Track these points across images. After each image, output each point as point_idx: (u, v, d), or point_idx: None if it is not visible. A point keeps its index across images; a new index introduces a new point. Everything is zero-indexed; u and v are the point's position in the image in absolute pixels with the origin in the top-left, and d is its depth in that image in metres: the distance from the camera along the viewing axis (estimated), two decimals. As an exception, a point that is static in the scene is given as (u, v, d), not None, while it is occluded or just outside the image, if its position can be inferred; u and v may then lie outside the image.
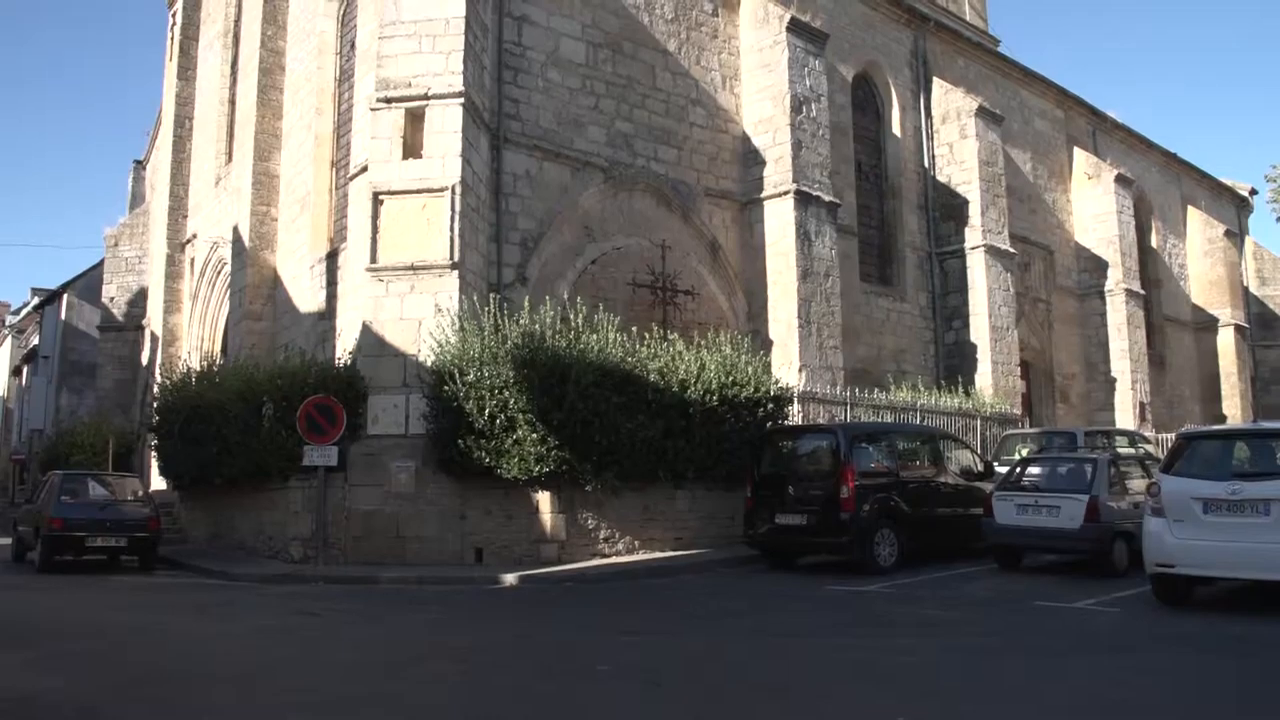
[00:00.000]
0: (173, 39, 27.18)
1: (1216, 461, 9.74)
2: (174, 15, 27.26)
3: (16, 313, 51.52)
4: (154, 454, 19.14)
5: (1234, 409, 32.95)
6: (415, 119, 14.39)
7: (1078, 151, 29.66)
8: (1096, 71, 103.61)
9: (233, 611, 10.66)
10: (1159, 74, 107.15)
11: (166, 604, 11.80)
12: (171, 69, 26.93)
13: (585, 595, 11.55)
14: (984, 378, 22.70)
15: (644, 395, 13.73)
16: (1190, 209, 35.21)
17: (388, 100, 14.48)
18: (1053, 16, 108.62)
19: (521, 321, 13.51)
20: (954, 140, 24.19)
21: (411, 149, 14.29)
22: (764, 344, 18.30)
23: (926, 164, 24.35)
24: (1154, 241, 33.01)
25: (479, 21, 15.43)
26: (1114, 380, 27.73)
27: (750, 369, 15.02)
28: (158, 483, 20.11)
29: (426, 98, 14.38)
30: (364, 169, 15.28)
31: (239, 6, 24.25)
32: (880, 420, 17.35)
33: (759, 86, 19.84)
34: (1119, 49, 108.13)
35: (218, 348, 22.84)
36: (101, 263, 30.96)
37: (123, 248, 29.29)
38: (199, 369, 17.90)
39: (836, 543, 12.78)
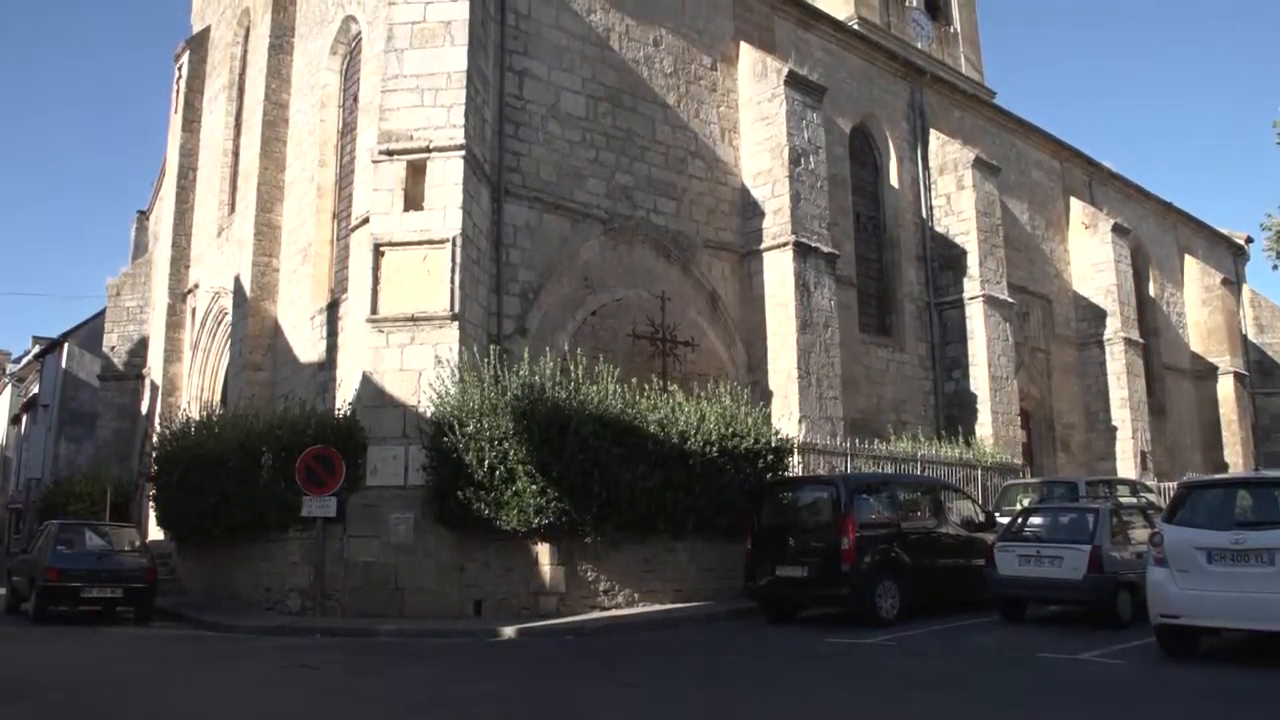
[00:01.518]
0: (178, 91, 27.43)
1: (1219, 511, 9.71)
2: (180, 68, 27.53)
3: (17, 361, 51.59)
4: (152, 504, 19.07)
5: (1235, 457, 32.89)
6: (417, 171, 14.50)
7: (1074, 201, 29.88)
8: (1092, 122, 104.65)
9: (230, 664, 10.58)
10: (1154, 124, 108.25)
11: (163, 656, 11.71)
12: (176, 121, 27.16)
13: (585, 648, 11.47)
14: (984, 427, 22.68)
15: (644, 446, 13.71)
16: (1187, 257, 35.40)
17: (389, 153, 14.60)
18: (1048, 68, 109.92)
19: (521, 373, 13.52)
20: (951, 191, 24.38)
21: (413, 201, 14.39)
22: (764, 395, 18.31)
23: (924, 215, 24.51)
24: (1152, 290, 33.13)
25: (480, 75, 15.61)
26: (1114, 429, 27.70)
27: (750, 420, 15.02)
28: (155, 533, 20.02)
29: (428, 150, 14.50)
30: (365, 220, 15.36)
31: (244, 60, 24.52)
32: (881, 471, 17.31)
33: (758, 139, 20.04)
34: (1114, 100, 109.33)
35: (217, 397, 22.82)
36: (103, 312, 31.04)
37: (124, 297, 29.37)
38: (198, 419, 17.89)
39: (837, 595, 12.70)
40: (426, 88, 14.82)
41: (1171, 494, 12.60)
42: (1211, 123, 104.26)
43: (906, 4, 31.87)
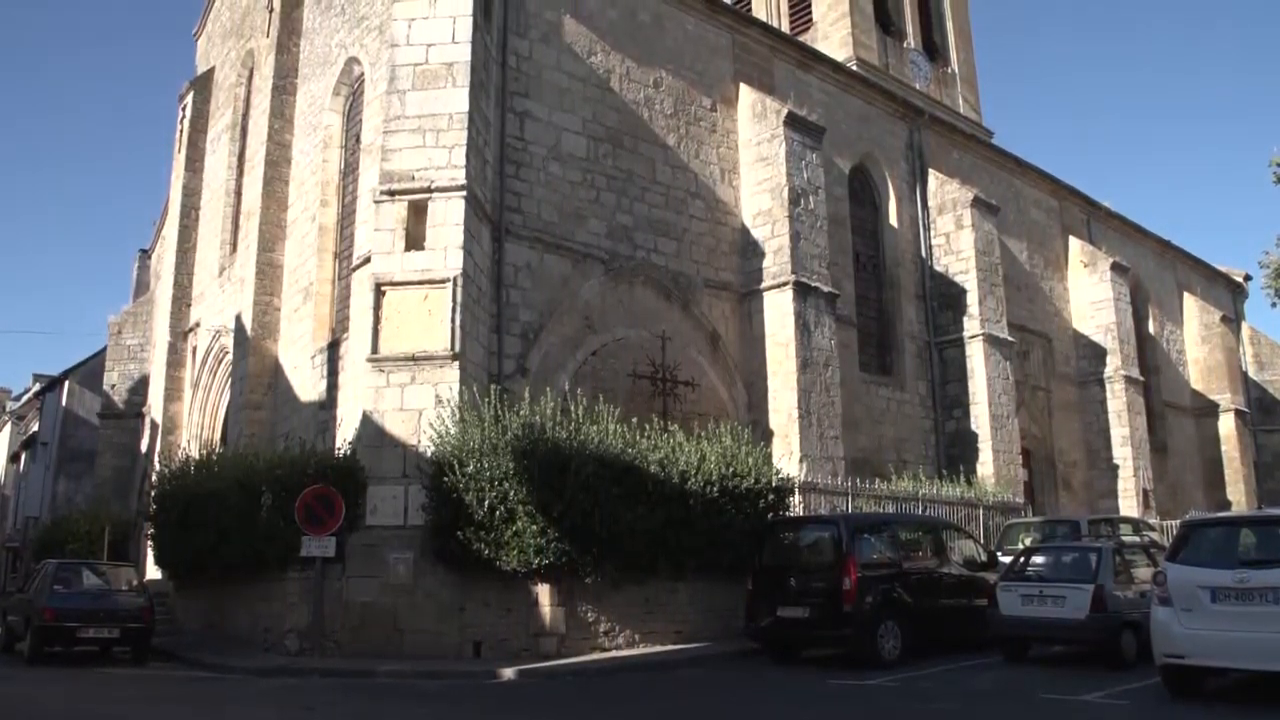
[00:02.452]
0: (182, 131, 27.65)
1: (1222, 549, 9.65)
2: (184, 108, 27.77)
3: (17, 399, 51.59)
4: (150, 543, 19.01)
5: (1238, 495, 32.80)
6: (418, 211, 14.58)
7: (1073, 240, 30.02)
8: (1089, 161, 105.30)
9: (227, 706, 10.49)
10: (1151, 162, 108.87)
11: (158, 696, 11.63)
12: (180, 160, 27.35)
13: (585, 690, 11.38)
14: (985, 466, 22.63)
15: (644, 486, 13.68)
16: (1186, 295, 35.50)
17: (391, 193, 14.69)
18: (1045, 108, 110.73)
19: (522, 412, 13.51)
20: (950, 230, 24.49)
21: (414, 241, 14.46)
22: (764, 434, 18.29)
23: (924, 254, 24.61)
24: (1151, 328, 33.19)
25: (482, 117, 15.74)
26: (1116, 467, 27.64)
27: (751, 460, 15.00)
28: (153, 572, 19.93)
29: (429, 191, 14.60)
30: (367, 260, 15.43)
31: (247, 101, 24.74)
32: (882, 511, 17.23)
33: (757, 179, 20.16)
34: (1111, 139, 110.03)
35: (217, 436, 22.81)
36: (104, 350, 31.08)
37: (126, 335, 29.42)
38: (198, 457, 17.86)
39: (839, 635, 12.62)
40: (428, 128, 14.94)
41: (1174, 532, 12.54)
42: (1209, 161, 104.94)
43: (905, 45, 32.15)
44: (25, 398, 47.92)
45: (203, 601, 17.25)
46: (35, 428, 41.03)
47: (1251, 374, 37.15)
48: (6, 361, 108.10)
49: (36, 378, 45.51)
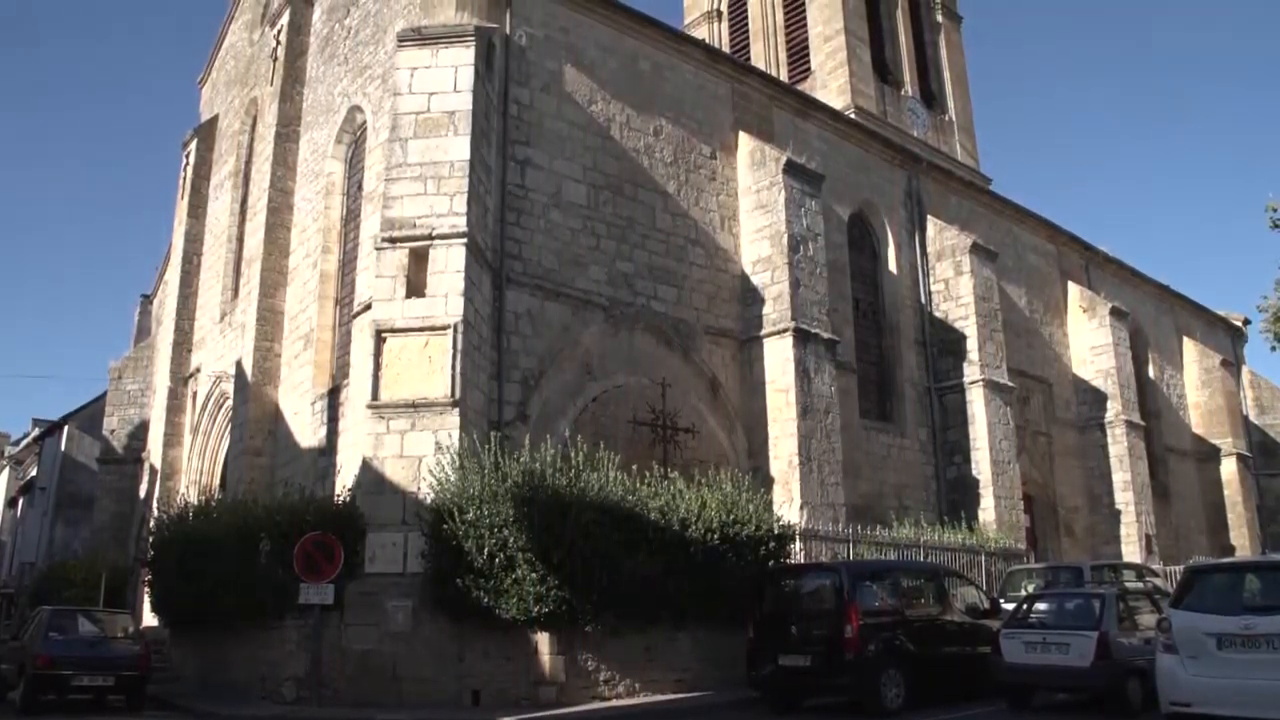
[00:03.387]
0: (185, 178, 27.86)
1: (1227, 595, 9.58)
2: (187, 155, 28.01)
3: (16, 443, 51.50)
4: (147, 589, 18.89)
5: (1241, 539, 32.64)
6: (419, 258, 14.65)
7: (1072, 285, 30.11)
8: (1087, 206, 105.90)
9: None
10: (1148, 208, 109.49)
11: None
12: (183, 206, 27.55)
13: (585, 742, 11.27)
14: (987, 512, 22.55)
15: (645, 534, 13.63)
16: (1186, 339, 35.56)
17: (392, 240, 14.77)
18: (1042, 154, 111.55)
19: (522, 459, 13.49)
20: (949, 277, 24.58)
21: (415, 288, 14.51)
22: (765, 481, 18.24)
23: (923, 300, 24.68)
24: (1151, 372, 33.20)
25: (483, 164, 15.86)
26: (1118, 512, 27.52)
27: (751, 507, 14.96)
28: (150, 619, 19.79)
29: (430, 238, 14.68)
30: (368, 306, 15.48)
31: (250, 148, 24.95)
32: (883, 558, 17.17)
33: (757, 226, 20.28)
34: (1109, 185, 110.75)
35: (217, 482, 22.77)
36: (104, 395, 31.07)
37: (126, 380, 29.42)
38: (197, 503, 17.80)
39: (841, 684, 12.55)
40: (430, 176, 15.05)
41: (1178, 578, 12.48)
42: (1206, 206, 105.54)
43: (902, 93, 32.47)
44: (24, 442, 47.84)
45: (200, 649, 17.11)
46: (33, 472, 40.93)
47: (1252, 418, 37.13)
48: (6, 406, 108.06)
49: (36, 422, 45.45)
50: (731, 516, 14.52)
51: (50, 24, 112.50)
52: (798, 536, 16.53)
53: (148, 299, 33.76)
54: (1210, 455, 34.18)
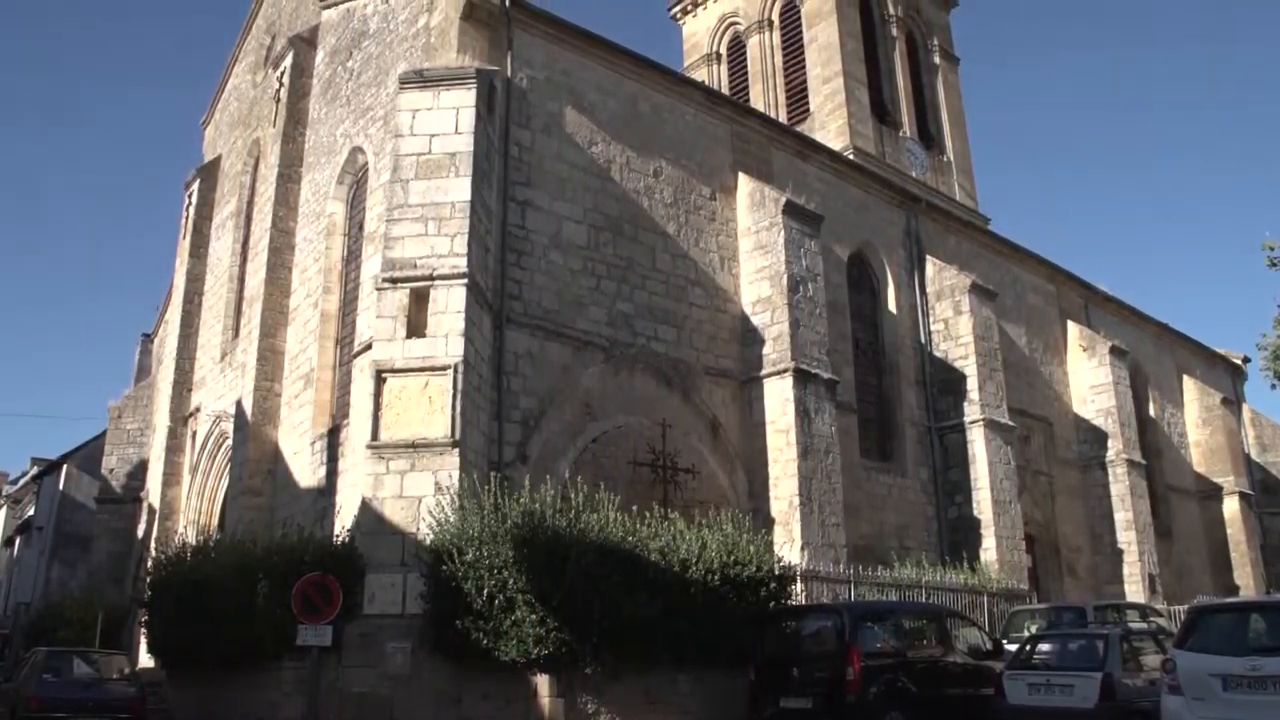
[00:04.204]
0: (187, 218, 28.01)
1: (1232, 635, 9.51)
2: (190, 195, 28.17)
3: (14, 482, 51.44)
4: (144, 630, 18.77)
5: (1246, 578, 32.47)
6: (420, 299, 14.69)
7: (1071, 324, 30.16)
8: (1085, 245, 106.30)
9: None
10: (1147, 247, 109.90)
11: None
12: (184, 246, 27.67)
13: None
14: (989, 553, 22.45)
15: (645, 575, 13.52)
16: (1186, 378, 35.56)
17: (393, 280, 14.82)
18: (1041, 194, 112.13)
19: (522, 500, 13.45)
20: (949, 316, 24.64)
21: (415, 328, 14.53)
22: (765, 522, 18.19)
23: (923, 340, 24.72)
24: (1152, 411, 33.17)
25: (484, 206, 15.94)
26: (1121, 552, 27.39)
27: (752, 548, 14.87)
28: (146, 660, 19.64)
29: (431, 279, 14.72)
30: (368, 347, 15.51)
31: (252, 189, 25.10)
32: (885, 599, 17.06)
33: (756, 267, 20.36)
34: (1107, 224, 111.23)
35: (215, 522, 22.69)
36: (103, 434, 31.04)
37: (125, 420, 29.41)
38: (195, 543, 17.74)
39: (843, 727, 12.41)
40: (430, 217, 15.12)
41: (1182, 618, 12.41)
42: (1204, 244, 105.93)
43: (900, 134, 32.71)
44: (22, 481, 47.79)
45: (196, 690, 16.95)
46: (31, 512, 40.83)
47: (1254, 456, 37.07)
48: (5, 444, 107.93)
49: (35, 461, 45.42)
50: (732, 557, 14.43)
51: (55, 59, 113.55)
52: (799, 577, 16.43)
53: (148, 338, 33.79)
54: (1212, 494, 34.07)
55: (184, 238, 27.98)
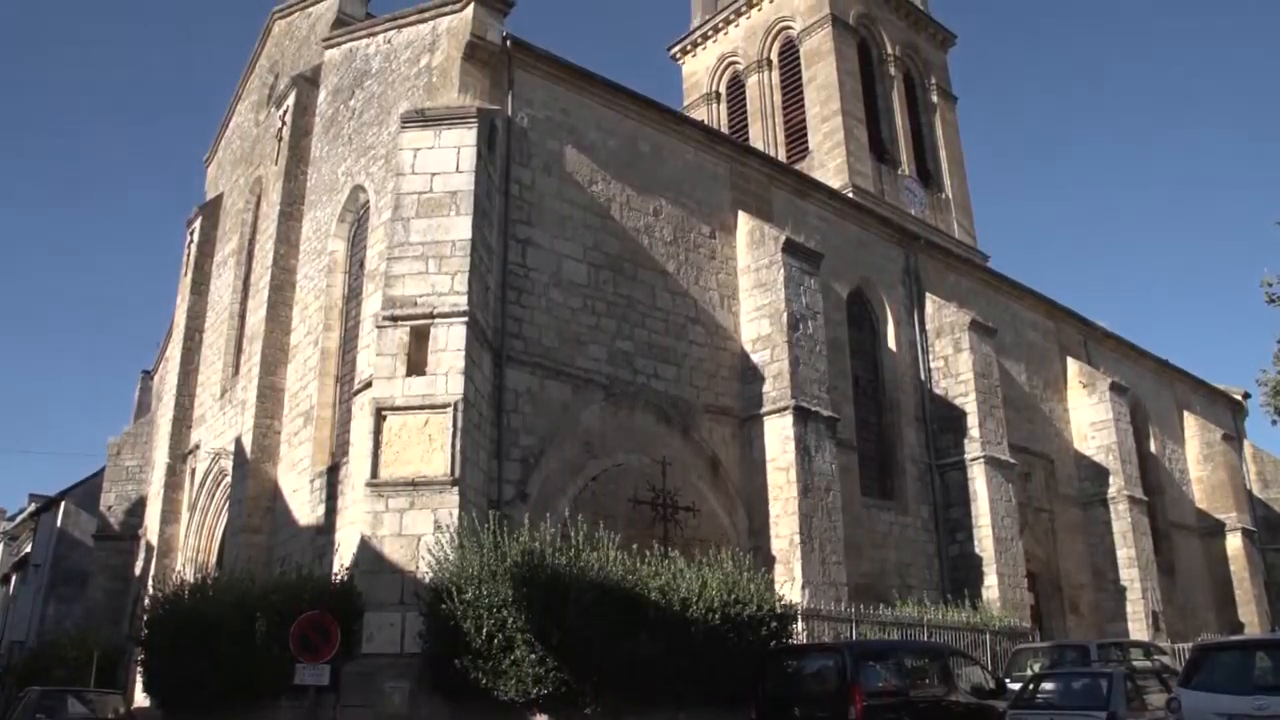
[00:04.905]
0: (189, 255, 28.11)
1: (1237, 674, 9.47)
2: (191, 233, 28.29)
3: (12, 519, 51.24)
4: (140, 669, 18.63)
5: (1250, 615, 32.32)
6: (420, 337, 14.74)
7: (1071, 361, 30.21)
8: (1084, 281, 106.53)
9: None
10: (1145, 283, 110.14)
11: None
12: (186, 283, 27.76)
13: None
14: (991, 590, 22.34)
15: (645, 614, 13.44)
16: (1186, 414, 35.57)
17: (394, 318, 14.87)
18: (1039, 231, 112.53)
19: (521, 539, 13.40)
20: (949, 354, 24.67)
21: (415, 366, 14.57)
22: (766, 560, 18.11)
23: (923, 377, 24.73)
24: (1153, 447, 33.15)
25: (484, 244, 16.02)
26: (1123, 589, 27.27)
27: (753, 586, 14.79)
28: (142, 699, 19.47)
29: (431, 317, 14.77)
30: (368, 384, 15.53)
31: (254, 226, 25.20)
32: (887, 637, 16.97)
33: (756, 305, 20.41)
34: (1105, 260, 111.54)
35: (213, 559, 22.59)
36: (102, 470, 30.98)
37: (125, 456, 29.36)
38: (193, 581, 17.64)
39: (845, 766, 12.29)
40: (431, 255, 15.20)
41: (1186, 656, 12.34)
42: (1203, 280, 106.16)
43: (899, 172, 32.94)
44: (20, 518, 47.61)
45: (192, 731, 16.83)
46: (28, 549, 40.64)
47: (1256, 492, 37.01)
48: (3, 481, 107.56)
49: (33, 497, 45.26)
50: (733, 596, 14.35)
51: (57, 89, 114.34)
52: (800, 616, 16.34)
53: (149, 375, 33.82)
54: (1215, 530, 33.98)
55: (185, 275, 28.07)
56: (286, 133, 22.99)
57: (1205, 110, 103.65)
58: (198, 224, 28.11)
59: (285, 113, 23.30)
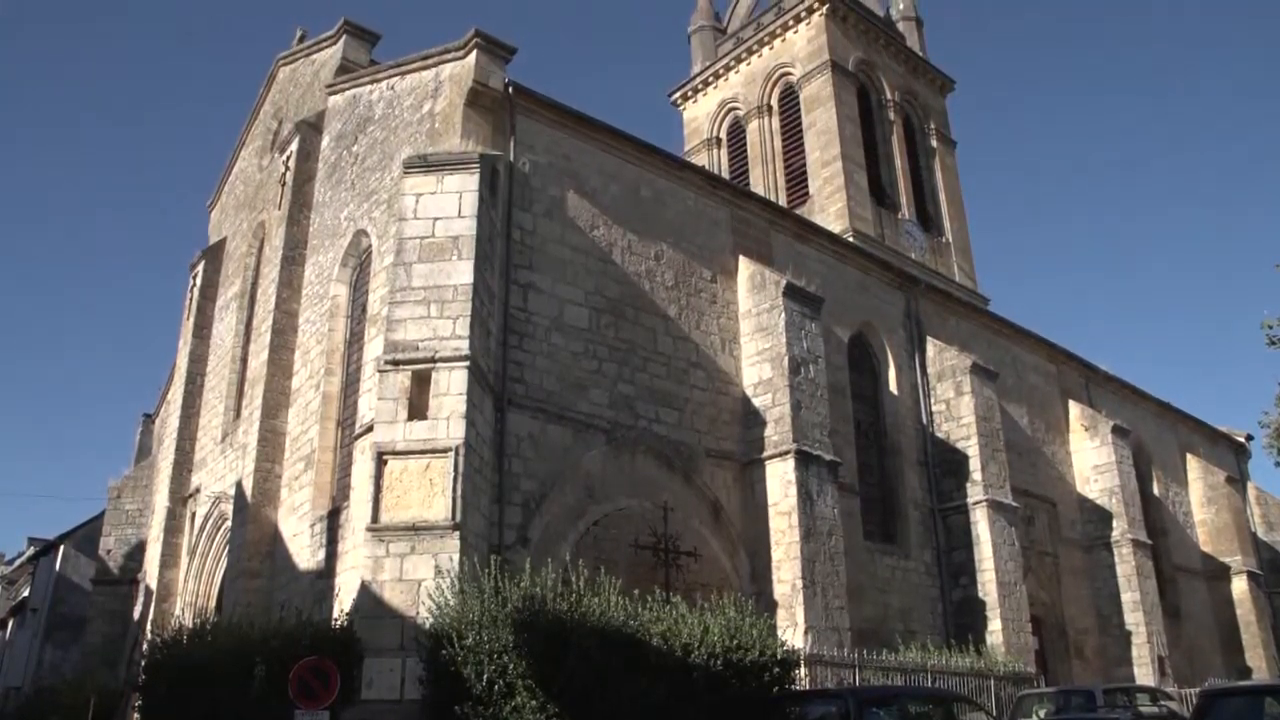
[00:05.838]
0: (191, 299, 28.19)
1: (1246, 720, 9.37)
2: (194, 277, 28.39)
3: (10, 563, 51.02)
4: (137, 715, 18.47)
5: (1258, 660, 32.05)
6: (421, 381, 14.73)
7: (1073, 404, 30.19)
8: (1085, 324, 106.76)
9: None
10: (1145, 324, 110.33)
11: None
12: (188, 327, 27.80)
13: None
14: (995, 635, 22.16)
15: (647, 660, 13.32)
16: (1189, 456, 35.49)
17: (395, 363, 14.87)
18: (1039, 274, 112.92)
19: (522, 584, 13.31)
20: (950, 397, 24.66)
21: (417, 410, 14.55)
22: (768, 605, 18.00)
23: (924, 421, 24.70)
24: (1156, 490, 33.05)
25: (486, 288, 16.06)
26: (1129, 633, 27.07)
27: (755, 631, 14.66)
28: (139, 746, 19.30)
29: (433, 361, 14.77)
30: (369, 428, 15.50)
31: (257, 270, 25.30)
32: (890, 683, 16.83)
33: (758, 349, 20.43)
34: (1106, 302, 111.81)
35: (212, 604, 22.45)
36: (102, 514, 30.87)
37: (125, 500, 29.28)
38: (191, 626, 17.53)
39: (849, 816, 12.17)
40: (433, 300, 15.24)
41: (1193, 702, 12.20)
42: (1203, 322, 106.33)
43: (899, 216, 33.12)
44: (18, 562, 47.40)
45: (187, 779, 16.63)
46: (26, 593, 40.40)
47: (1260, 534, 36.79)
48: (2, 525, 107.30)
49: (31, 541, 45.10)
50: (735, 642, 14.23)
51: (63, 138, 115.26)
52: (803, 662, 16.19)
53: (150, 418, 33.79)
54: (1220, 573, 33.79)
55: (188, 318, 28.12)
56: (290, 178, 23.14)
57: (1207, 153, 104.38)
58: (200, 268, 28.21)
59: (289, 158, 23.47)
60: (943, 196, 35.68)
